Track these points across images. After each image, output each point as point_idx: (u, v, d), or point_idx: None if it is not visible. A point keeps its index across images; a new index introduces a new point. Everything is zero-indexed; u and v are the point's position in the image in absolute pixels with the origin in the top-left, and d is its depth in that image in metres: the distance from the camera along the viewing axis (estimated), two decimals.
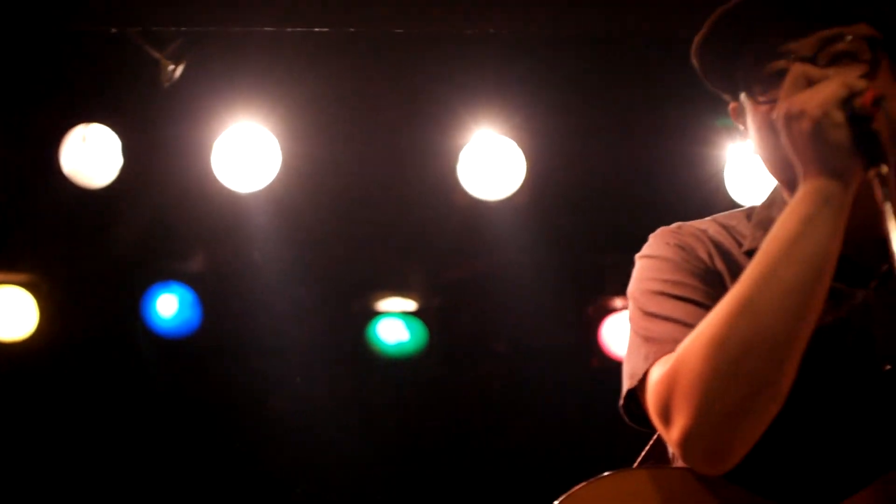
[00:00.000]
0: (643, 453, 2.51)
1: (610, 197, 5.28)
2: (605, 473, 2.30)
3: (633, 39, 4.61)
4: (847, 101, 2.09)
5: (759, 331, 2.09)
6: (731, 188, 5.06)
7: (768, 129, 2.30)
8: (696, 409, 2.11)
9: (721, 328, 2.11)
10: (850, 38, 2.27)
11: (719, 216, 2.54)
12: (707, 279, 2.36)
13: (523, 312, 5.59)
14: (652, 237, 2.52)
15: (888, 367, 2.25)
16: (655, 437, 2.46)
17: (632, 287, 2.47)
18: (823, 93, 2.11)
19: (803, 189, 2.15)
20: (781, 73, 2.28)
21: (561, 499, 2.19)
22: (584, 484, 2.23)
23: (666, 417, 2.17)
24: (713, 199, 4.93)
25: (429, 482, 5.89)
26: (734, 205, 4.87)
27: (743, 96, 2.40)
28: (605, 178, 5.21)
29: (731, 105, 2.50)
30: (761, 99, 2.31)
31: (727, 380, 2.09)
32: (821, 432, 2.25)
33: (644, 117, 4.90)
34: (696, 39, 2.42)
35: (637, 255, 2.52)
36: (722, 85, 2.47)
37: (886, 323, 2.28)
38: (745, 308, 2.11)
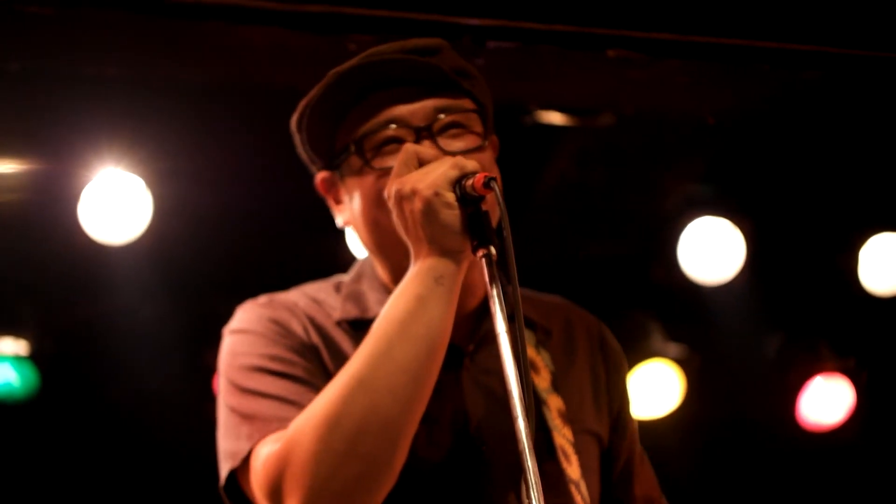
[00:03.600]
0: None
1: (234, 243, 5.31)
2: None
3: (261, 87, 4.67)
4: (458, 182, 2.11)
5: (374, 410, 2.08)
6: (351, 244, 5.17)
7: (372, 201, 2.32)
8: (310, 491, 2.07)
9: (335, 407, 2.09)
10: (462, 109, 2.34)
11: (307, 288, 2.53)
12: (305, 354, 2.35)
13: (141, 360, 5.49)
14: (241, 311, 2.47)
15: (483, 447, 2.31)
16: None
17: (225, 363, 2.40)
18: (435, 173, 2.11)
19: (416, 269, 2.15)
20: (392, 141, 2.31)
21: None
22: None
23: (276, 500, 2.13)
24: (333, 252, 5.05)
25: None
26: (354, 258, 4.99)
27: (335, 174, 2.40)
28: (228, 224, 5.24)
29: (320, 175, 2.47)
30: (374, 165, 2.32)
31: (342, 460, 2.07)
32: None
33: (276, 163, 4.95)
34: (305, 102, 2.40)
35: (226, 330, 2.46)
36: (320, 152, 2.44)
37: (477, 402, 2.34)
38: (360, 387, 2.09)
